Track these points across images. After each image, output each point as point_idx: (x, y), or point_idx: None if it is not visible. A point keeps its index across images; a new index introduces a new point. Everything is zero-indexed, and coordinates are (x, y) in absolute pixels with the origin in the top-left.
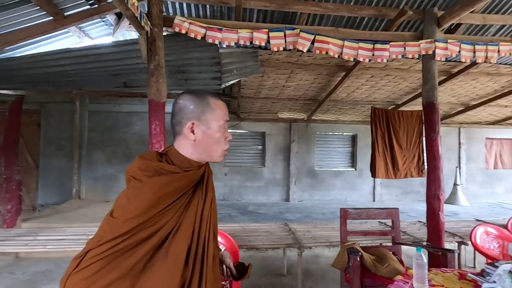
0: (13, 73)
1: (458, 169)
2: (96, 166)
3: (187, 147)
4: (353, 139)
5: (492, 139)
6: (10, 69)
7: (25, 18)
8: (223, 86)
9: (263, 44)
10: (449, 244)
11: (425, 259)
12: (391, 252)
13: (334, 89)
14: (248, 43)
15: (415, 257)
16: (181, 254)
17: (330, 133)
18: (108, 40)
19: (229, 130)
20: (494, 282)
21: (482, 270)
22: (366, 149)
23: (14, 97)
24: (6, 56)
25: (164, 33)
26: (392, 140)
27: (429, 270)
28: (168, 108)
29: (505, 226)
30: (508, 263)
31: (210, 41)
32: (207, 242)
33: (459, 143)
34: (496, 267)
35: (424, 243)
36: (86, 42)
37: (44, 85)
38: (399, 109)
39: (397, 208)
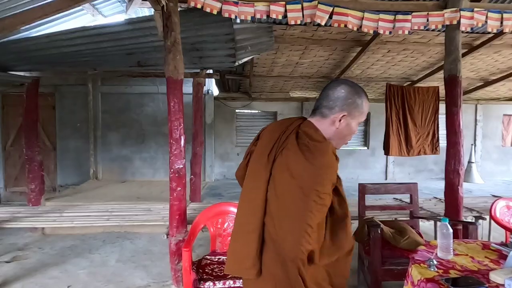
0: (30, 53)
1: (473, 146)
2: (111, 147)
3: (328, 131)
4: (366, 118)
5: (510, 115)
6: (27, 49)
7: None
8: (236, 63)
9: (280, 17)
10: (466, 218)
11: (451, 229)
12: (410, 226)
13: (348, 66)
14: (264, 17)
15: (440, 227)
16: None
17: None
18: (121, 17)
19: (240, 110)
20: None
21: (504, 241)
22: (379, 127)
23: (30, 79)
24: (23, 36)
25: (178, 9)
26: (406, 117)
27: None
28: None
29: None
30: None
31: (226, 15)
32: None
33: (475, 120)
34: None
35: (441, 217)
36: (99, 21)
37: (61, 65)
38: (415, 86)
39: (416, 183)
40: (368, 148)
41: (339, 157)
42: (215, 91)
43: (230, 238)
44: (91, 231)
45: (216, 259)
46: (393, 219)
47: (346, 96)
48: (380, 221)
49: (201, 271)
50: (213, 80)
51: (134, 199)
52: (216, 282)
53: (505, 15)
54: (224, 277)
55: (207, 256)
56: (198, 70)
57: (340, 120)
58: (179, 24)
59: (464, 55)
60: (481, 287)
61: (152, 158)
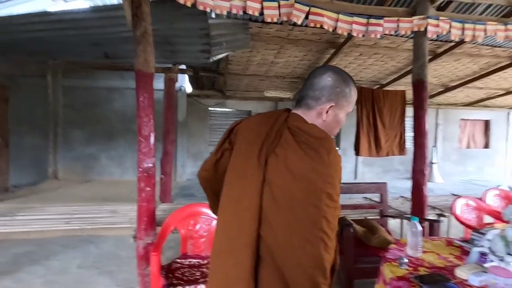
0: None
1: (434, 148)
2: (74, 145)
3: (315, 122)
4: None
5: (466, 120)
6: None
7: None
8: (211, 60)
9: (256, 13)
10: (430, 216)
11: (420, 228)
12: (380, 224)
13: None
14: (241, 12)
15: (410, 226)
16: None
17: None
18: (84, 4)
19: (214, 108)
20: (482, 246)
21: (466, 238)
22: (349, 129)
23: None
24: None
25: None
26: (376, 119)
27: None
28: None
29: (480, 200)
30: (497, 228)
31: (201, 8)
32: None
33: (436, 123)
34: (482, 234)
35: (409, 216)
36: (60, 5)
37: (14, 52)
38: (384, 89)
39: (386, 183)
40: (339, 149)
41: None
42: (188, 88)
43: (211, 257)
44: (49, 235)
45: (187, 263)
46: (364, 218)
47: (333, 84)
48: (351, 220)
49: (170, 275)
50: (186, 76)
51: (99, 200)
52: (187, 287)
53: (466, 25)
54: (195, 282)
55: (177, 260)
56: (170, 65)
57: (327, 112)
58: (150, 14)
59: (428, 61)
60: (448, 284)
61: (121, 157)
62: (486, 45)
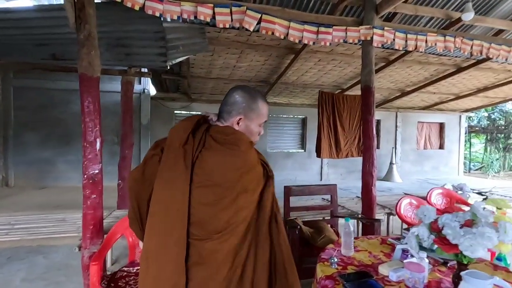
0: None
1: (394, 149)
2: (28, 149)
3: None
4: (303, 122)
5: (423, 122)
6: None
7: None
8: (169, 63)
9: (208, 19)
10: (380, 215)
11: (352, 228)
12: (329, 225)
13: (284, 71)
14: (192, 18)
15: (343, 226)
16: None
17: (282, 115)
18: (27, 2)
19: (179, 111)
20: (406, 243)
21: (400, 235)
22: (314, 131)
23: None
24: None
25: (98, 0)
26: (336, 122)
27: (356, 238)
28: (106, 85)
29: (424, 198)
30: (417, 226)
31: (150, 12)
32: None
33: (396, 126)
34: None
35: (359, 215)
36: (0, 4)
37: None
38: (344, 93)
39: (335, 184)
40: (305, 151)
41: (279, 160)
42: (152, 91)
43: (140, 263)
44: None
45: (134, 270)
46: (321, 218)
47: (240, 101)
48: (304, 221)
49: (112, 285)
50: (149, 79)
51: (50, 208)
52: None
53: (409, 35)
54: None
55: (124, 268)
56: (126, 68)
57: (238, 123)
58: (94, 16)
59: (383, 67)
60: (369, 281)
61: (79, 161)
62: (433, 54)
